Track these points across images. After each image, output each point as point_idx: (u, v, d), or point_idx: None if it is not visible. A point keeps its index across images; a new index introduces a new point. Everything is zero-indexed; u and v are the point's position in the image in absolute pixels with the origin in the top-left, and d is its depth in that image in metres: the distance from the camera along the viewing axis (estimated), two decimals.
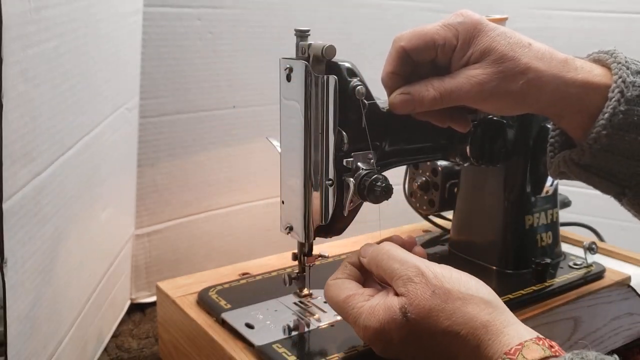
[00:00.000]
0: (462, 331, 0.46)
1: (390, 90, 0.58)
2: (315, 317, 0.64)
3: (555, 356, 0.43)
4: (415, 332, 0.48)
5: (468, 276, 0.50)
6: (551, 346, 0.44)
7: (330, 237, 0.61)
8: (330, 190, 0.58)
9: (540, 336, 0.45)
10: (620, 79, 0.53)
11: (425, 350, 0.48)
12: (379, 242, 0.57)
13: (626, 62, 0.54)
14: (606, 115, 0.53)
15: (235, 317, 0.64)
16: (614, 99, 0.53)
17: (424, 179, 0.85)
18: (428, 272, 0.49)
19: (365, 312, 0.50)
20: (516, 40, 0.54)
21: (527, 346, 0.43)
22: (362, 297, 0.51)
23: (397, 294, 0.50)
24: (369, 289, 0.53)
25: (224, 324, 0.64)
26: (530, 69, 0.53)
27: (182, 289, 0.72)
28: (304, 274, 0.64)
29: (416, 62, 0.56)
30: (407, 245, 0.57)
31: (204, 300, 0.69)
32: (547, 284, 0.73)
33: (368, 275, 0.56)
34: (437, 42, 0.54)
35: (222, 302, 0.67)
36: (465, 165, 0.71)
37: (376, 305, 0.50)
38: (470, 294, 0.48)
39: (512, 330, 0.45)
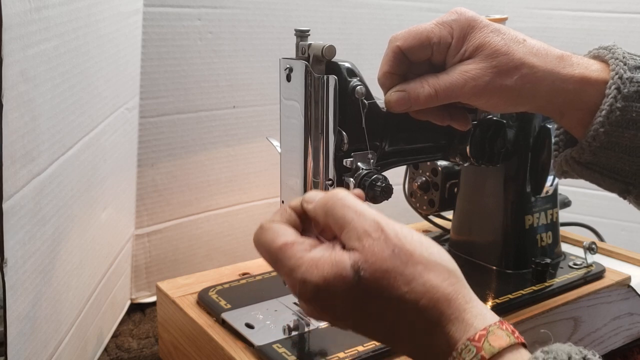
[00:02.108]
0: (422, 301, 0.40)
1: (386, 89, 0.58)
2: None
3: (519, 343, 0.40)
4: (365, 295, 0.41)
5: (430, 240, 0.44)
6: (513, 331, 0.40)
7: None
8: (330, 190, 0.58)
9: (502, 319, 0.41)
10: (617, 75, 0.53)
11: (370, 318, 0.42)
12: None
13: (624, 57, 0.54)
14: (603, 112, 0.53)
15: (235, 317, 0.64)
16: (610, 96, 0.53)
17: (424, 179, 0.85)
18: (388, 228, 0.42)
19: (306, 263, 0.42)
20: (511, 36, 0.54)
21: (492, 332, 0.39)
22: (302, 247, 0.43)
23: (346, 249, 0.42)
24: (310, 239, 0.45)
25: (224, 324, 0.64)
26: (525, 64, 0.53)
27: (182, 289, 0.72)
28: None
29: (412, 61, 0.56)
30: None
31: (204, 300, 0.69)
32: (547, 284, 0.73)
33: (307, 226, 0.48)
34: (432, 40, 0.54)
35: (222, 302, 0.67)
36: (465, 165, 0.71)
37: (320, 258, 0.42)
38: (433, 260, 0.42)
39: (474, 307, 0.41)
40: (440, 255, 0.43)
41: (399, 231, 0.42)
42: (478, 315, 0.40)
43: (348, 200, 0.44)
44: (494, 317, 0.41)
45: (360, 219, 0.42)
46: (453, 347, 0.40)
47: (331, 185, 0.58)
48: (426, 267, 0.41)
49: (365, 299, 0.41)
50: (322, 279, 0.41)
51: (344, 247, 0.43)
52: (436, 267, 0.41)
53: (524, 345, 0.40)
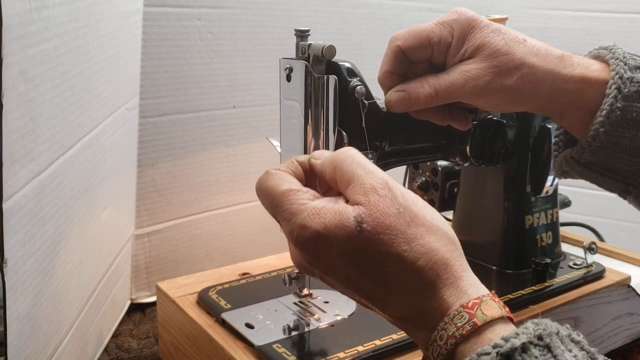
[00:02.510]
0: (420, 261, 0.40)
1: (386, 89, 0.58)
2: (315, 317, 0.64)
3: (509, 317, 0.40)
4: (364, 248, 0.41)
5: (434, 209, 0.44)
6: (504, 306, 0.41)
7: None
8: None
9: (494, 292, 0.42)
10: (617, 75, 0.53)
11: (365, 272, 0.41)
12: None
13: (624, 57, 0.54)
14: (603, 112, 0.53)
15: (235, 317, 0.64)
16: (610, 96, 0.53)
17: (424, 179, 0.85)
18: (396, 188, 0.43)
19: (308, 210, 0.42)
20: (511, 36, 0.54)
21: (485, 301, 0.40)
22: (306, 195, 0.43)
23: (350, 203, 0.42)
24: (313, 191, 0.45)
25: (224, 324, 0.64)
26: (525, 64, 0.53)
27: (182, 289, 0.72)
28: (304, 274, 0.64)
29: (412, 60, 0.56)
30: None
31: (204, 300, 0.69)
32: (547, 284, 0.73)
33: (311, 183, 0.47)
34: (432, 39, 0.55)
35: (222, 302, 0.67)
36: (465, 165, 0.71)
37: (323, 207, 0.42)
38: (436, 225, 0.42)
39: (469, 277, 0.42)
40: (443, 222, 0.43)
41: (406, 193, 0.43)
42: (472, 285, 0.41)
43: (358, 157, 0.45)
44: (486, 290, 0.41)
45: (369, 176, 0.43)
46: (445, 312, 0.40)
47: None
48: (428, 229, 0.42)
49: (364, 251, 0.41)
50: (322, 226, 0.41)
51: (347, 202, 0.43)
52: (438, 232, 0.42)
53: (511, 320, 0.41)
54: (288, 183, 0.44)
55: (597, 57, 0.57)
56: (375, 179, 0.43)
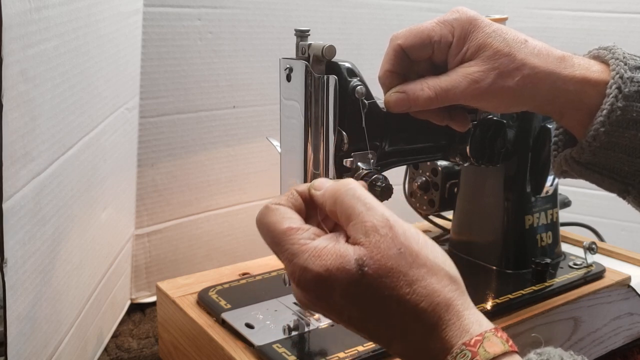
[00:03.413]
0: (422, 304, 0.40)
1: (387, 88, 0.57)
2: (315, 317, 0.64)
3: (513, 351, 0.40)
4: (366, 292, 0.40)
5: (435, 244, 0.44)
6: (507, 340, 0.41)
7: None
8: None
9: (497, 327, 0.41)
10: (618, 75, 0.53)
11: (368, 315, 0.42)
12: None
13: (624, 57, 0.54)
14: (604, 112, 0.53)
15: (235, 317, 0.64)
16: (611, 96, 0.53)
17: (424, 179, 0.85)
18: (397, 226, 0.42)
19: (310, 251, 0.41)
20: (512, 37, 0.54)
21: (487, 338, 0.39)
22: (307, 234, 0.43)
23: (351, 242, 0.42)
24: (314, 228, 0.44)
25: (224, 324, 0.64)
26: (526, 65, 0.53)
27: (182, 289, 0.72)
28: None
29: (413, 59, 0.56)
30: None
31: (204, 300, 0.69)
32: (547, 284, 0.73)
33: (311, 212, 0.47)
34: (433, 38, 0.54)
35: (222, 302, 0.67)
36: (465, 165, 0.71)
37: (324, 248, 0.41)
38: (437, 264, 0.42)
39: (471, 314, 0.41)
40: (444, 260, 0.43)
41: (407, 230, 0.42)
42: (475, 322, 0.41)
43: (358, 191, 0.44)
44: (489, 325, 0.41)
45: (370, 213, 0.42)
46: (448, 351, 0.40)
47: None
48: (430, 270, 0.41)
49: (366, 295, 0.41)
50: (324, 269, 0.40)
51: (348, 239, 0.43)
52: (439, 272, 0.41)
53: (517, 353, 0.40)
54: (289, 220, 0.44)
55: (597, 58, 0.57)
56: (376, 217, 0.42)
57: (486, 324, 0.41)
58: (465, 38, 0.54)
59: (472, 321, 0.41)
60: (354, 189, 0.44)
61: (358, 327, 0.43)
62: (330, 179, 0.57)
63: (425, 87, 0.55)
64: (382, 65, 0.57)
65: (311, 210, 0.47)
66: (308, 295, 0.43)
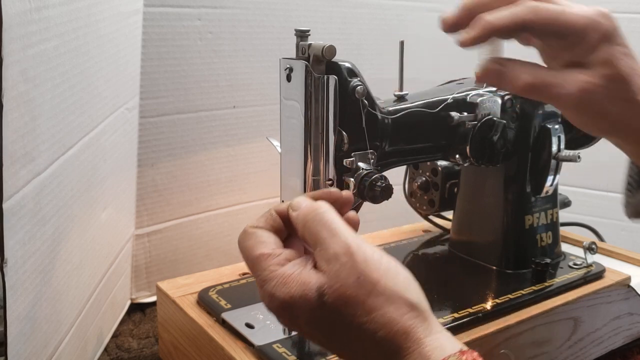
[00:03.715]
0: (380, 332, 0.41)
1: (466, 19, 0.48)
2: None
3: None
4: (327, 319, 0.42)
5: (399, 268, 0.44)
6: None
7: None
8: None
9: (464, 349, 0.41)
10: None
11: (331, 339, 0.43)
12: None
13: None
14: None
15: (235, 317, 0.64)
16: None
17: (424, 179, 0.85)
18: (358, 253, 0.42)
19: (277, 278, 0.44)
20: (637, 65, 0.48)
21: None
22: (276, 260, 0.45)
23: (316, 269, 0.43)
24: (287, 251, 0.46)
25: (224, 324, 0.64)
26: (637, 101, 0.48)
27: (182, 289, 0.72)
28: None
29: (530, 36, 0.50)
30: (342, 204, 0.49)
31: (204, 300, 0.69)
32: (547, 284, 0.73)
33: (293, 231, 0.48)
34: (570, 30, 0.48)
35: (222, 302, 0.67)
36: (465, 165, 0.71)
37: (290, 275, 0.43)
38: (396, 292, 0.42)
39: (433, 340, 0.41)
40: (406, 287, 0.43)
41: (369, 257, 0.43)
42: (437, 348, 0.41)
43: (326, 216, 0.45)
44: (454, 348, 0.41)
45: (333, 240, 0.43)
46: None
47: (331, 185, 0.58)
48: (388, 299, 0.42)
49: (327, 322, 0.42)
50: (289, 296, 0.43)
51: (316, 263, 0.44)
52: (398, 300, 0.42)
53: None
54: (262, 245, 0.46)
55: None
56: (337, 244, 0.43)
57: (450, 349, 0.41)
58: (596, 47, 0.48)
59: (434, 347, 0.41)
60: (322, 214, 0.45)
61: (327, 347, 0.45)
62: (329, 183, 0.58)
63: (530, 71, 0.49)
64: (499, 11, 0.48)
65: (291, 228, 0.48)
66: (279, 318, 0.45)
